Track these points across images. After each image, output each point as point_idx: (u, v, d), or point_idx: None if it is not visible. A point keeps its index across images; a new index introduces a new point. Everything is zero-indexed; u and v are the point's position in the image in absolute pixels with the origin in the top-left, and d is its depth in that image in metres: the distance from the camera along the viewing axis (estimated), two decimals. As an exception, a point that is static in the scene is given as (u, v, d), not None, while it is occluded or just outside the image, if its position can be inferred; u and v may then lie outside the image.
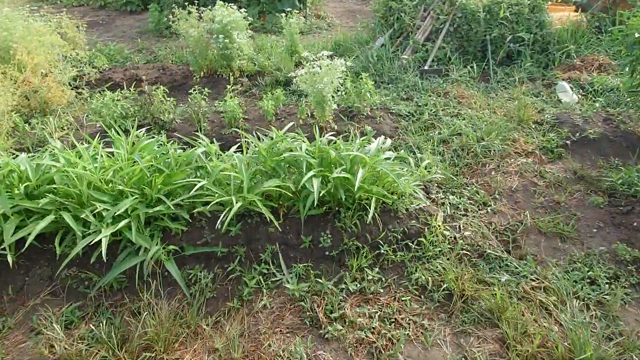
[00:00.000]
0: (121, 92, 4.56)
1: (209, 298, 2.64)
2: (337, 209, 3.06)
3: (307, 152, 3.00)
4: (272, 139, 3.22)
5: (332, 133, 3.85)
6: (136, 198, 2.71)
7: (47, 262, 2.77)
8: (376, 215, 2.91)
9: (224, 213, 2.72)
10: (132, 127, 3.68)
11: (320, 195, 2.73)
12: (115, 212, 2.56)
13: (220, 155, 3.18)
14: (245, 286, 2.68)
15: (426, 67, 5.83)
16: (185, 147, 3.89)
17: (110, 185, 2.72)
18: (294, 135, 3.22)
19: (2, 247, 2.48)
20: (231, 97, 4.50)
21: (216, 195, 2.70)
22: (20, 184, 2.62)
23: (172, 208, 2.64)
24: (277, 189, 2.83)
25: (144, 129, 4.05)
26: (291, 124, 3.76)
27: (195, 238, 2.88)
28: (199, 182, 2.75)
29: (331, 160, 3.01)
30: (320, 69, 3.97)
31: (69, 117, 4.71)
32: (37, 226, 2.46)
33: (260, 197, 2.80)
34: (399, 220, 3.04)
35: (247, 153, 3.20)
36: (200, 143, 3.18)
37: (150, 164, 2.90)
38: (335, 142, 3.15)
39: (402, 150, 4.09)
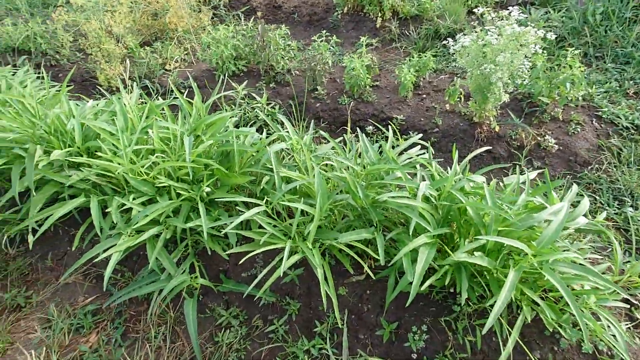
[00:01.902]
0: (235, 29, 3.81)
1: (231, 364, 1.92)
2: (451, 289, 1.90)
3: (429, 197, 1.82)
4: (380, 152, 2.10)
5: (485, 149, 2.48)
6: (181, 198, 2.03)
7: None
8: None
9: (277, 258, 1.85)
10: (221, 77, 2.95)
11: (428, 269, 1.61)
12: (143, 216, 1.91)
13: (307, 151, 2.21)
14: (281, 368, 1.87)
15: (689, 45, 3.54)
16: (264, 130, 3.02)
17: (152, 173, 2.07)
18: (414, 159, 2.01)
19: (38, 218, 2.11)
20: (359, 56, 3.34)
21: (266, 234, 1.80)
22: (63, 147, 2.16)
23: (204, 234, 1.85)
24: (361, 244, 1.79)
25: (244, 83, 3.29)
26: (414, 135, 2.52)
27: (242, 266, 2.12)
28: (255, 204, 1.88)
29: (462, 217, 1.78)
30: (499, 38, 2.48)
31: (192, 45, 4.23)
32: (59, 209, 1.99)
33: (329, 248, 1.82)
34: (557, 350, 1.73)
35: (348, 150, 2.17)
36: (283, 134, 2.25)
37: (208, 154, 2.14)
38: (479, 188, 1.85)
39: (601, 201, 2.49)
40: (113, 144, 2.14)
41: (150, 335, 2.00)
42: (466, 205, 1.69)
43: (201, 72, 3.91)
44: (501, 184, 2.16)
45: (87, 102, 2.52)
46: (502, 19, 2.58)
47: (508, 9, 2.57)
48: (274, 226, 1.85)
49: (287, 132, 2.26)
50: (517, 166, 2.57)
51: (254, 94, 3.41)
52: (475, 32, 2.59)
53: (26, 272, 2.34)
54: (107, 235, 2.00)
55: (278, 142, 2.14)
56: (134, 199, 2.02)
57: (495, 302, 1.46)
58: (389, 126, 2.40)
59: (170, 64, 3.90)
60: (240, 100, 3.22)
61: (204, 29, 4.46)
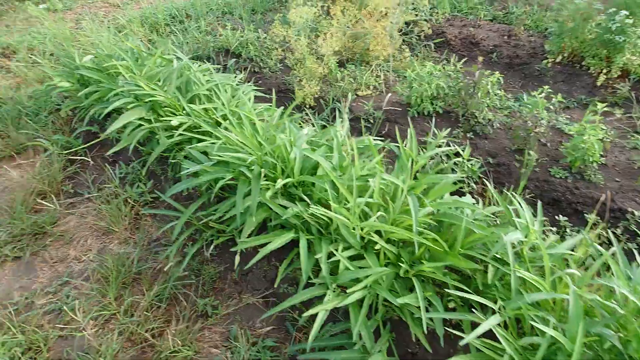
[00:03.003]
0: (444, 68, 3.56)
1: None
2: None
3: None
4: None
5: None
6: (391, 263, 1.86)
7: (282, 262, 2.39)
8: None
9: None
10: (415, 115, 2.71)
11: None
12: (353, 278, 1.79)
13: (542, 245, 1.84)
14: None
15: None
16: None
17: (366, 228, 1.93)
18: None
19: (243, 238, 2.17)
20: (592, 124, 2.79)
21: (502, 351, 1.49)
22: (281, 175, 2.18)
23: (421, 317, 1.63)
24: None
25: (444, 131, 3.02)
26: None
27: (434, 355, 1.86)
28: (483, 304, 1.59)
29: None
30: None
31: (386, 73, 4.15)
32: (269, 245, 1.99)
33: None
34: None
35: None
36: (517, 215, 1.91)
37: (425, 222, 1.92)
38: None
39: None
40: (332, 182, 2.07)
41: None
42: None
43: (391, 104, 3.78)
44: None
45: (303, 129, 2.54)
46: None
47: None
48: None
49: (518, 213, 1.91)
50: None
51: (449, 142, 3.14)
52: None
53: (215, 278, 2.45)
54: (306, 281, 1.93)
55: (513, 232, 1.81)
56: (342, 249, 1.91)
57: None
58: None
59: (362, 90, 3.86)
60: (436, 147, 2.97)
61: (394, 57, 4.35)
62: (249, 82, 4.03)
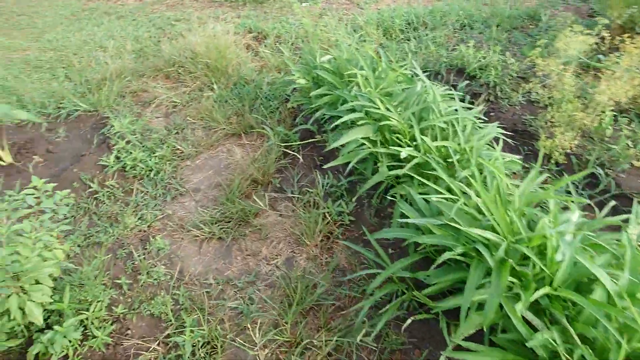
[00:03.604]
0: None
1: None
2: None
3: None
4: None
5: None
6: None
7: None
8: None
9: None
10: None
11: None
12: None
13: None
14: None
15: None
16: None
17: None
18: None
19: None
20: None
21: None
22: (536, 284, 1.58)
23: None
24: None
25: None
26: None
27: None
28: None
29: None
30: None
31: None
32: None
33: None
34: None
35: None
36: None
37: None
38: None
39: None
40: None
41: None
42: None
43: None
44: None
45: (570, 211, 1.85)
46: None
47: None
48: None
49: None
50: None
51: None
52: None
53: (395, 350, 2.05)
54: None
55: None
56: None
57: None
58: None
59: (621, 162, 2.81)
60: None
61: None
62: (540, 160, 3.44)
